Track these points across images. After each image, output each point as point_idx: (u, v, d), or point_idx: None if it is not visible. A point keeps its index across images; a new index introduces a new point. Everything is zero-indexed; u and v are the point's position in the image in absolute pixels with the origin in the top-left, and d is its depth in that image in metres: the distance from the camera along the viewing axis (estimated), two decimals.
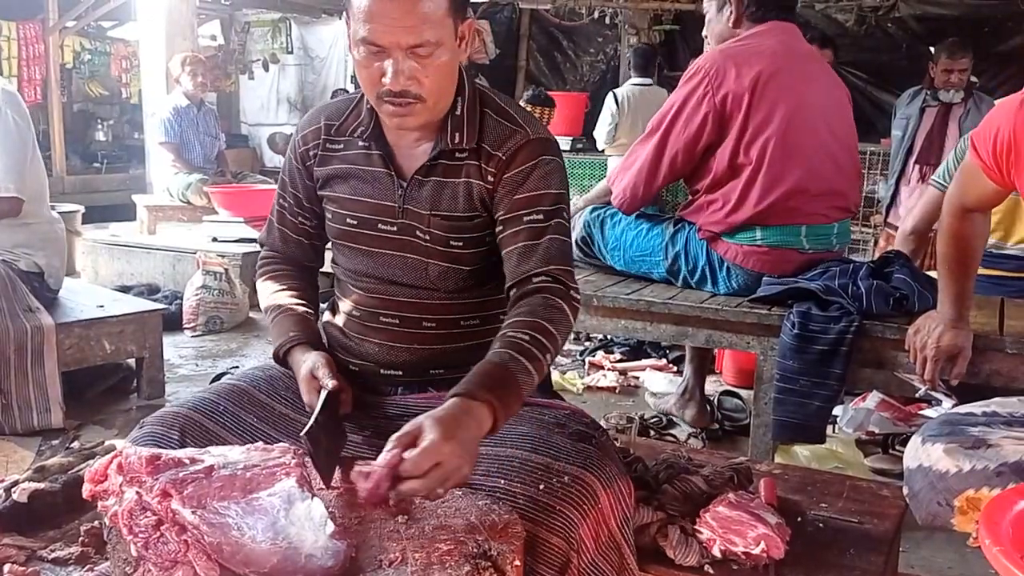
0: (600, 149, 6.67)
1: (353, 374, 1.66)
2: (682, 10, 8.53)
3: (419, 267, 1.62)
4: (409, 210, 1.60)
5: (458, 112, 1.58)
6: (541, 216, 1.55)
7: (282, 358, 1.65)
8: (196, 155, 6.08)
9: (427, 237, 1.60)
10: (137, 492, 1.19)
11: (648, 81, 6.62)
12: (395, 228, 1.62)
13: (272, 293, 1.76)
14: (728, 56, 2.63)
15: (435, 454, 1.23)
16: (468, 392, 1.34)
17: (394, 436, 1.27)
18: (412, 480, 1.23)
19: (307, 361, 1.58)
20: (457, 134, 1.57)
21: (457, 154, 1.58)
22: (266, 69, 10.56)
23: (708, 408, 3.31)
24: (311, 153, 1.69)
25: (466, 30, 1.53)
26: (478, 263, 1.63)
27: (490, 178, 1.57)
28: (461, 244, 1.60)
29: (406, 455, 1.23)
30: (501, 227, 1.58)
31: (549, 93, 6.82)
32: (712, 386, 3.77)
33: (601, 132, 6.54)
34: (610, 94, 6.60)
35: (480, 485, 1.41)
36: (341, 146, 1.67)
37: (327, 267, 1.82)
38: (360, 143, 1.64)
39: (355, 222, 1.65)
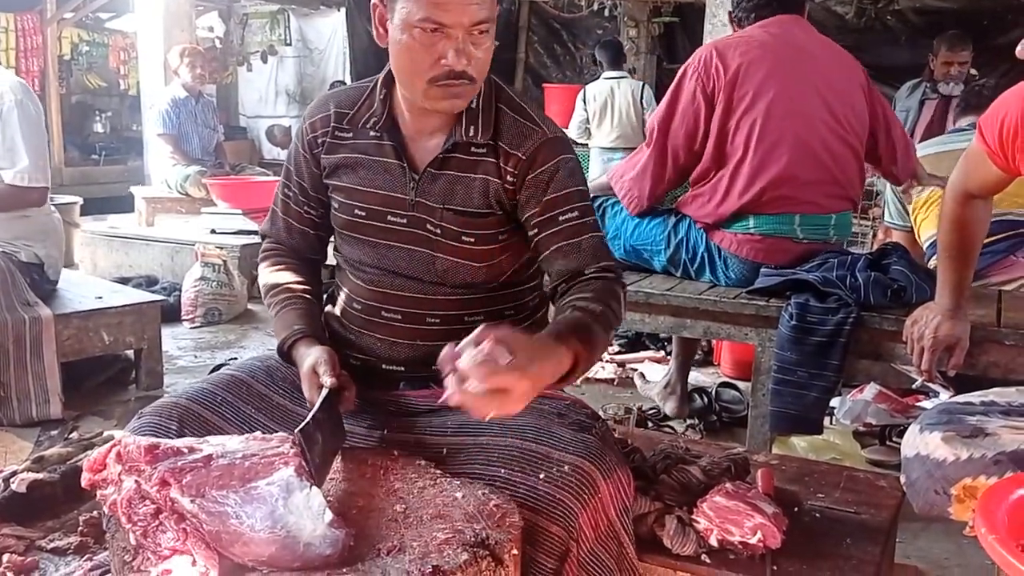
0: (583, 143, 6.68)
1: (354, 368, 1.64)
2: (682, 2, 8.50)
3: (426, 260, 1.60)
4: (421, 203, 1.59)
5: (473, 105, 1.56)
6: (576, 214, 1.56)
7: (286, 352, 1.62)
8: (194, 147, 6.07)
9: (437, 231, 1.58)
10: (136, 481, 1.19)
11: (622, 74, 6.61)
12: (405, 220, 1.60)
13: (275, 284, 1.73)
14: (714, 48, 2.67)
15: (507, 380, 1.18)
16: (556, 334, 1.33)
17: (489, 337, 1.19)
18: (472, 391, 1.17)
19: (310, 356, 1.55)
20: (472, 127, 1.56)
21: (473, 148, 1.57)
22: (264, 61, 10.55)
23: (689, 401, 3.34)
24: (319, 141, 1.67)
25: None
26: (487, 260, 1.61)
27: (510, 178, 1.56)
28: (473, 240, 1.59)
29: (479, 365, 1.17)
30: (536, 229, 1.57)
31: (546, 85, 6.79)
32: (710, 378, 3.78)
33: (571, 132, 6.47)
34: (580, 94, 6.59)
35: (480, 474, 1.41)
36: (351, 135, 1.65)
37: (330, 259, 1.80)
38: (372, 133, 1.62)
39: (363, 213, 1.63)
